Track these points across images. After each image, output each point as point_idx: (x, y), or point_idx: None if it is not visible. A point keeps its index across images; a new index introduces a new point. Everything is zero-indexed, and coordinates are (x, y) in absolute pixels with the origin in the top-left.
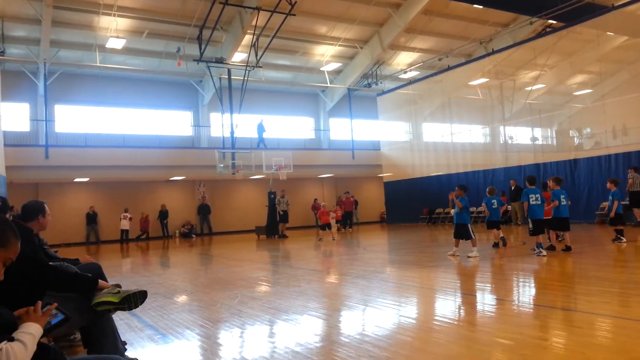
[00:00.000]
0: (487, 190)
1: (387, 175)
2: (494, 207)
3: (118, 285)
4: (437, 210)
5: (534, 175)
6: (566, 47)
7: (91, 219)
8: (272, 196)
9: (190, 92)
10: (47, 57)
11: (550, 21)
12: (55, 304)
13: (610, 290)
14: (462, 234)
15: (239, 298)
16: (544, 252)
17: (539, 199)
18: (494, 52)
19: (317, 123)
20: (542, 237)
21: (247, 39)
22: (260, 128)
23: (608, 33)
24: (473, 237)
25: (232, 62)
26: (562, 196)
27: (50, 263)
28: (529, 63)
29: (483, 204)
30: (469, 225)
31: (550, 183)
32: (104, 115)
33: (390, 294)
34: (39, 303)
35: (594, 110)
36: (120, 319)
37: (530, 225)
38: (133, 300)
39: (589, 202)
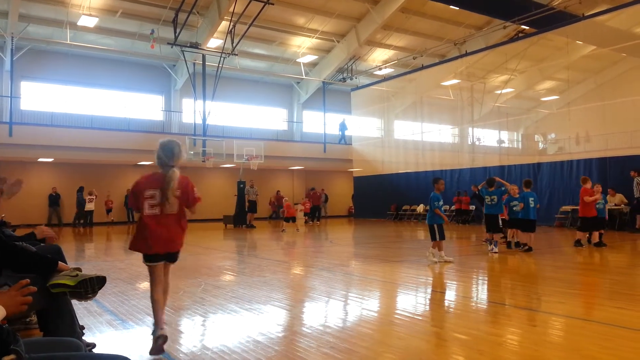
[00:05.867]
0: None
1: (357, 170)
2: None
3: (78, 269)
4: (404, 207)
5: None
6: (536, 53)
7: (53, 200)
8: (242, 186)
9: (162, 76)
10: (15, 31)
11: (523, 27)
12: (28, 280)
13: (565, 291)
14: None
15: (203, 286)
16: (496, 249)
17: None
18: (467, 54)
19: (290, 115)
20: (496, 236)
21: (224, 25)
22: (343, 126)
23: (577, 42)
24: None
25: (208, 47)
26: (530, 199)
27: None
28: (500, 67)
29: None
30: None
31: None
32: (72, 94)
33: (353, 287)
34: (20, 283)
35: (559, 117)
36: (79, 302)
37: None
38: (90, 285)
39: (549, 205)
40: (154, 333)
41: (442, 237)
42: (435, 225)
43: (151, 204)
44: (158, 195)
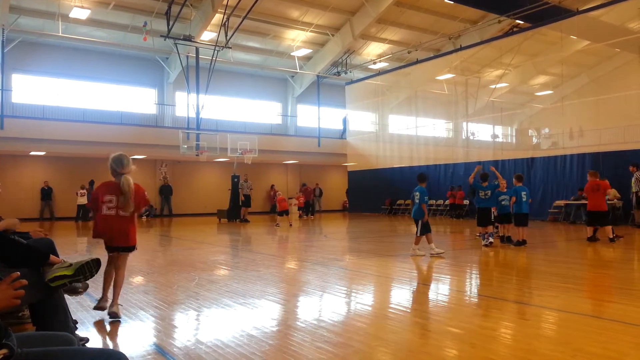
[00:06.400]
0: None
1: (351, 164)
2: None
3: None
4: (399, 202)
5: (487, 173)
6: (531, 47)
7: (46, 194)
8: (236, 180)
9: (155, 69)
10: (6, 23)
11: (518, 21)
12: (18, 273)
13: (559, 285)
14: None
15: (197, 281)
16: (491, 239)
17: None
18: (461, 49)
19: (284, 108)
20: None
21: (218, 18)
22: (346, 121)
23: (571, 36)
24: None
25: (201, 40)
26: (523, 193)
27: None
28: (494, 61)
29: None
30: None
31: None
32: (64, 87)
33: (347, 282)
34: (11, 276)
35: (553, 111)
36: (71, 297)
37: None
38: (88, 269)
39: (542, 200)
40: (98, 302)
41: (428, 230)
42: (420, 220)
43: (109, 206)
44: (115, 200)
